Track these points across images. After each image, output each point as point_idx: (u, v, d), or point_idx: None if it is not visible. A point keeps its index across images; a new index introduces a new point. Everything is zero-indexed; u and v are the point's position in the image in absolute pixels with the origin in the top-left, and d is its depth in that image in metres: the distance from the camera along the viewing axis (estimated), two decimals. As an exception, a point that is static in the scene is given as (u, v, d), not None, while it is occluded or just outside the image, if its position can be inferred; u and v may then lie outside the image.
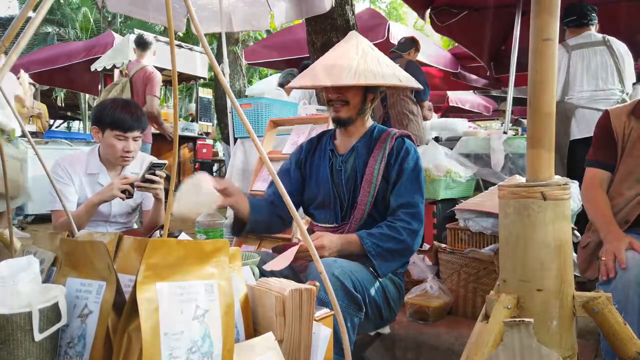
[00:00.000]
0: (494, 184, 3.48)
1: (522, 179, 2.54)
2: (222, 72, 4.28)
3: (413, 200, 1.83)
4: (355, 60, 1.73)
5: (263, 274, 1.56)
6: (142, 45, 4.87)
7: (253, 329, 0.98)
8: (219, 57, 6.24)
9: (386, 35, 5.84)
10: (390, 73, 1.78)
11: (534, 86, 0.95)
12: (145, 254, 0.74)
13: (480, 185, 3.55)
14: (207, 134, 7.75)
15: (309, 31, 4.57)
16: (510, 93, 4.06)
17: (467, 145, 3.54)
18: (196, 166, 7.31)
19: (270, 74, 8.40)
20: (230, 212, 2.25)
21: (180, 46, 7.41)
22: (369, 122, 1.99)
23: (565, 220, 0.95)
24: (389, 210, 1.85)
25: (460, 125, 4.39)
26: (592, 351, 2.05)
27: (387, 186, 1.87)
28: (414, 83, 1.85)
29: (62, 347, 0.83)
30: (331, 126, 3.11)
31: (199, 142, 7.34)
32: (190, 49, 7.58)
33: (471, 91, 8.69)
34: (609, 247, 1.61)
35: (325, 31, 4.49)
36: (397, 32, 5.90)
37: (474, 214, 2.41)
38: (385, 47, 5.94)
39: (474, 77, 7.63)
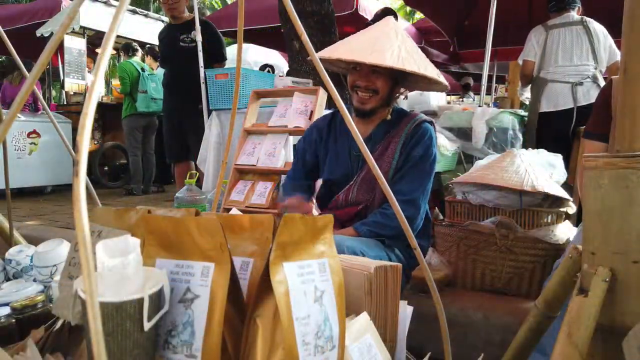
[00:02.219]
0: (474, 157, 3.54)
1: (520, 151, 2.59)
2: (194, 39, 4.08)
3: (410, 187, 1.79)
4: (396, 44, 1.62)
5: None
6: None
7: (343, 309, 0.93)
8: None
9: (355, 6, 5.75)
10: (430, 66, 1.69)
11: (629, 53, 0.93)
12: (279, 231, 0.66)
13: (462, 159, 3.59)
14: None
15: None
16: (486, 68, 4.10)
17: (451, 119, 3.57)
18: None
19: (229, 44, 8.15)
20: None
21: (134, 12, 7.01)
22: (389, 109, 1.91)
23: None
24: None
25: (434, 99, 4.40)
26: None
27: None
28: (444, 81, 1.76)
29: (160, 336, 0.74)
30: (321, 96, 3.04)
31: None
32: (146, 16, 7.18)
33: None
34: None
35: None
36: (367, 4, 5.82)
37: (475, 187, 2.42)
38: (353, 19, 5.87)
39: (435, 52, 7.68)
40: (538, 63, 3.70)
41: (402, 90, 1.87)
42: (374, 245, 1.74)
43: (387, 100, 1.82)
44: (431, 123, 1.88)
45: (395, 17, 4.73)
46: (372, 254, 1.60)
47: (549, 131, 3.58)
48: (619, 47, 3.68)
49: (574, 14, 3.67)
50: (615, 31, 3.67)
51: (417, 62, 1.63)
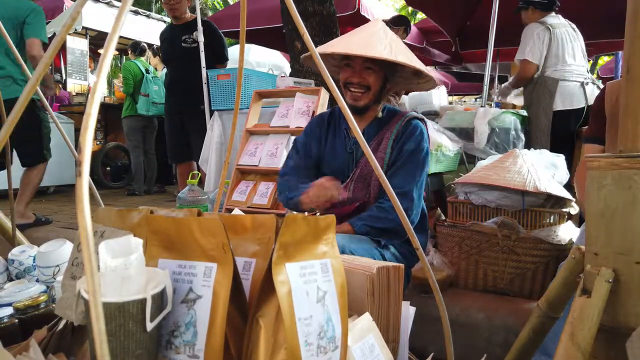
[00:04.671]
0: (476, 158, 3.53)
1: (522, 152, 2.58)
2: (196, 39, 4.09)
3: (404, 180, 1.81)
4: (386, 42, 1.66)
5: None
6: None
7: (345, 310, 0.93)
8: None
9: (357, 6, 5.74)
10: (419, 63, 1.73)
11: (632, 54, 0.92)
12: (281, 231, 0.66)
13: (464, 159, 3.58)
14: None
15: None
16: (488, 68, 4.09)
17: (453, 120, 3.56)
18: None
19: (230, 45, 8.16)
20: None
21: (136, 12, 7.02)
22: (380, 106, 1.95)
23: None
24: (380, 192, 1.84)
25: (436, 99, 4.38)
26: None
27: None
28: (431, 75, 1.80)
29: (163, 337, 0.74)
30: (322, 96, 3.04)
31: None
32: (148, 16, 7.19)
33: (433, 67, 8.75)
34: None
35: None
36: (369, 5, 5.81)
37: (477, 187, 2.42)
38: (355, 19, 5.86)
39: (437, 52, 7.68)
40: (542, 62, 3.70)
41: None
42: (366, 243, 1.74)
43: (378, 96, 1.85)
44: (422, 120, 1.91)
45: (408, 25, 4.72)
46: (361, 252, 1.60)
47: (564, 130, 3.58)
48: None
49: (560, 16, 3.71)
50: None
51: (410, 56, 1.70)
